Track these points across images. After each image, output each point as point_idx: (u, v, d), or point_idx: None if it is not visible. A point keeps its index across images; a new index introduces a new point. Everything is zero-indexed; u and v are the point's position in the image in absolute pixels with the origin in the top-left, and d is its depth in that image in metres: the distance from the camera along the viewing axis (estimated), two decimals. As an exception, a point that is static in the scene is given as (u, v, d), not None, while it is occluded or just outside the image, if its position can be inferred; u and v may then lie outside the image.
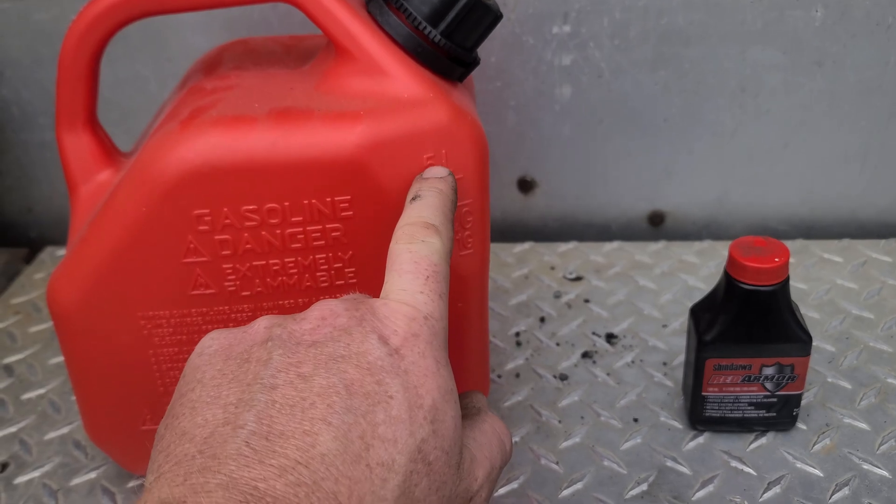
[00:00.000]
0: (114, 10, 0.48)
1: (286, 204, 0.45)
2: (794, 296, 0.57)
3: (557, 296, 0.78)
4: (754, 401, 0.59)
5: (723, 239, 0.86)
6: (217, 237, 0.46)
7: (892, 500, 0.55)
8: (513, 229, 0.89)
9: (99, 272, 0.47)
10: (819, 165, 0.84)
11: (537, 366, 0.69)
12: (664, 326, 0.73)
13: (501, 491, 0.57)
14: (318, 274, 0.48)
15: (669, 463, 0.59)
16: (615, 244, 0.85)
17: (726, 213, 0.87)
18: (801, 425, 0.61)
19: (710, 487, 0.57)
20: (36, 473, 0.60)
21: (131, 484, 0.59)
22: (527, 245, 0.86)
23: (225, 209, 0.45)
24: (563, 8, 0.77)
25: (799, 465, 0.58)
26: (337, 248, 0.48)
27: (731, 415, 0.60)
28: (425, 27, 0.47)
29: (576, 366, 0.69)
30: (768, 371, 0.57)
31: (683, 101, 0.81)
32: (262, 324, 0.38)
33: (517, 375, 0.68)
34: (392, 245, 0.41)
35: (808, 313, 0.73)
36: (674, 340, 0.71)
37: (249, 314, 0.49)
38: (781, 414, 0.59)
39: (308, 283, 0.48)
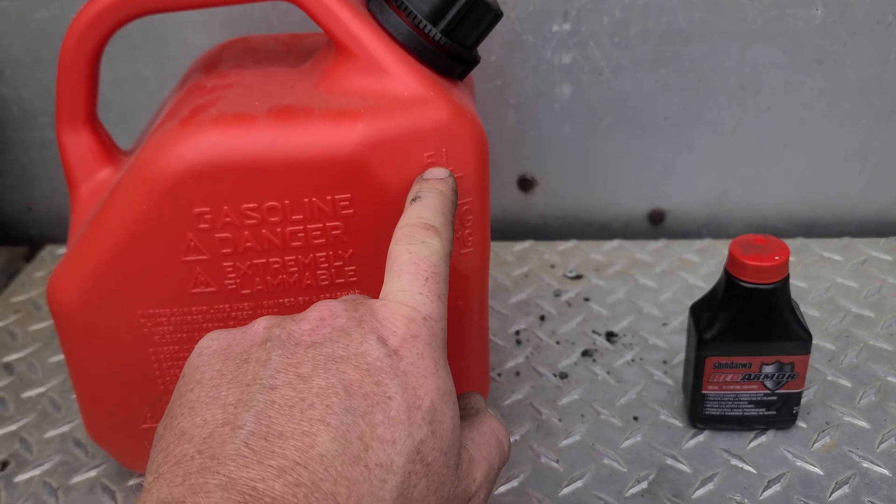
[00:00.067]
0: (114, 8, 0.48)
1: (286, 202, 0.45)
2: (794, 294, 0.57)
3: (557, 294, 0.78)
4: (754, 399, 0.59)
5: (723, 237, 0.86)
6: (217, 235, 0.46)
7: (893, 499, 0.55)
8: (513, 228, 0.89)
9: (99, 270, 0.47)
10: (819, 164, 0.84)
11: (537, 364, 0.69)
12: (664, 325, 0.73)
13: (501, 489, 0.57)
14: (319, 272, 0.48)
15: (669, 461, 0.59)
16: (615, 243, 0.85)
17: (726, 211, 0.87)
18: (801, 423, 0.61)
19: (710, 486, 0.57)
20: (36, 472, 0.60)
21: (131, 482, 0.59)
22: (527, 243, 0.86)
23: (225, 207, 0.45)
24: (564, 6, 0.77)
25: (799, 463, 0.58)
26: (337, 246, 0.48)
27: (731, 413, 0.60)
28: (426, 25, 0.47)
29: (576, 364, 0.69)
30: (768, 369, 0.57)
31: (683, 99, 0.81)
32: (261, 324, 0.38)
33: (517, 374, 0.68)
34: (392, 246, 0.41)
35: (808, 312, 0.73)
36: (674, 339, 0.71)
37: (250, 312, 0.49)
38: (781, 412, 0.59)
39: (308, 282, 0.48)
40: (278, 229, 0.46)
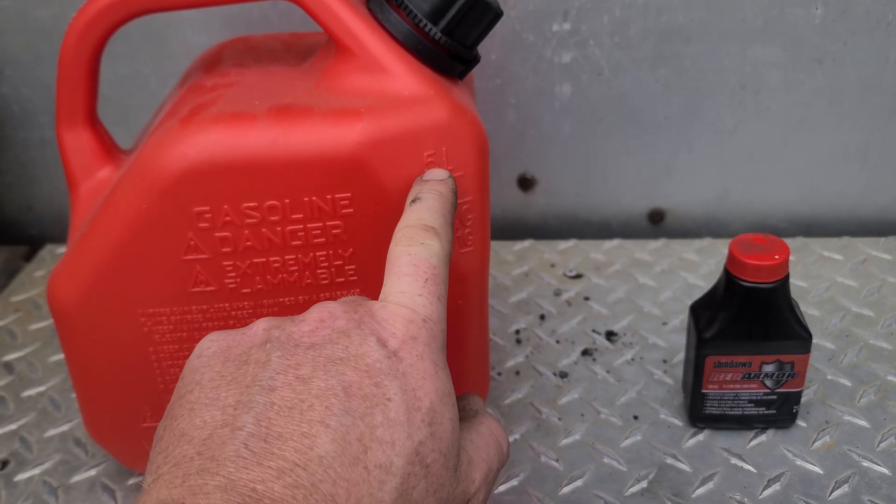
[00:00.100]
0: (114, 7, 0.48)
1: (286, 201, 0.45)
2: (793, 293, 0.57)
3: (557, 293, 0.78)
4: (754, 398, 0.59)
5: (723, 237, 0.86)
6: (217, 234, 0.46)
7: (892, 498, 0.55)
8: (513, 227, 0.89)
9: (99, 269, 0.47)
10: (819, 163, 0.84)
11: (537, 363, 0.69)
12: (664, 324, 0.73)
13: (501, 488, 0.57)
14: (319, 271, 0.48)
15: (669, 460, 0.59)
16: (615, 242, 0.85)
17: (726, 210, 0.87)
18: (800, 423, 0.61)
19: (710, 485, 0.57)
20: (36, 471, 0.60)
21: (131, 481, 0.59)
22: (527, 243, 0.86)
23: (225, 206, 0.45)
24: (564, 6, 0.77)
25: (799, 462, 0.58)
26: (337, 245, 0.48)
27: (730, 412, 0.60)
28: (426, 24, 0.47)
29: (576, 363, 0.69)
30: (768, 368, 0.57)
31: (683, 98, 0.81)
32: (260, 325, 0.38)
33: (517, 373, 0.68)
34: (391, 247, 0.41)
35: (808, 311, 0.73)
36: (674, 338, 0.71)
37: (250, 311, 0.49)
38: (781, 411, 0.59)
39: (308, 281, 0.48)
40: (278, 228, 0.46)
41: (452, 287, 0.43)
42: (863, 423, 0.61)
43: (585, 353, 0.70)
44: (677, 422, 0.62)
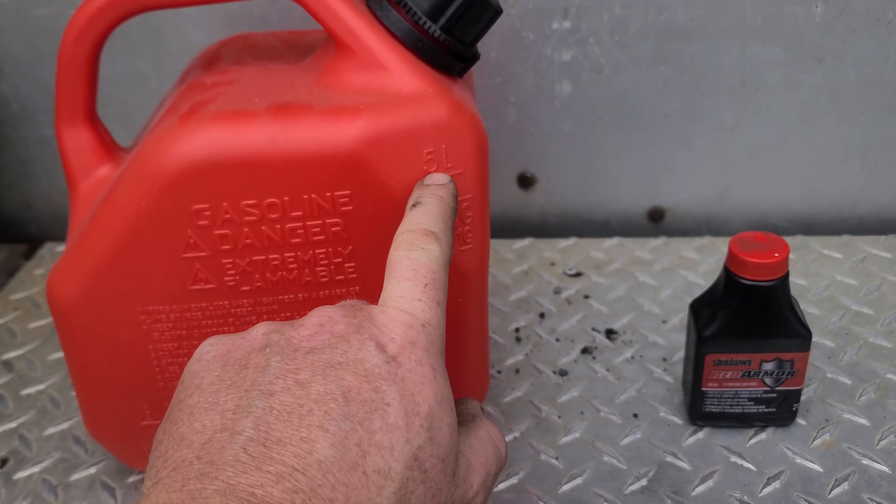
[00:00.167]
0: (113, 5, 0.48)
1: (286, 199, 0.45)
2: (793, 292, 0.57)
3: (557, 292, 0.78)
4: (754, 396, 0.59)
5: (723, 235, 0.86)
6: (217, 232, 0.46)
7: (892, 496, 0.55)
8: (513, 225, 0.89)
9: (98, 267, 0.47)
10: (819, 161, 0.84)
11: (537, 361, 0.69)
12: (664, 322, 0.73)
13: (501, 487, 0.57)
14: (318, 269, 0.48)
15: (669, 458, 0.59)
16: (615, 240, 0.85)
17: (726, 209, 0.87)
18: (800, 421, 0.61)
19: (710, 483, 0.57)
20: (35, 469, 0.60)
21: (131, 479, 0.59)
22: (527, 241, 0.86)
23: (224, 204, 0.45)
24: (563, 4, 0.77)
25: (798, 460, 0.58)
26: (337, 242, 0.48)
27: (730, 410, 0.60)
28: (425, 22, 0.47)
29: (575, 361, 0.69)
30: (768, 366, 0.57)
31: (683, 97, 0.81)
32: (260, 330, 0.38)
33: (517, 371, 0.68)
34: (391, 251, 0.41)
35: (808, 309, 0.73)
36: (673, 336, 0.71)
37: (249, 309, 0.49)
38: (781, 409, 0.59)
39: (308, 278, 0.48)
40: (278, 226, 0.46)
41: (452, 285, 0.43)
42: (862, 421, 0.61)
43: (585, 351, 0.70)
44: (677, 420, 0.62)
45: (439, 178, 0.46)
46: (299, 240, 0.47)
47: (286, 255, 0.47)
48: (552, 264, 0.82)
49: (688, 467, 0.58)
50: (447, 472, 0.36)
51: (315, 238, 0.47)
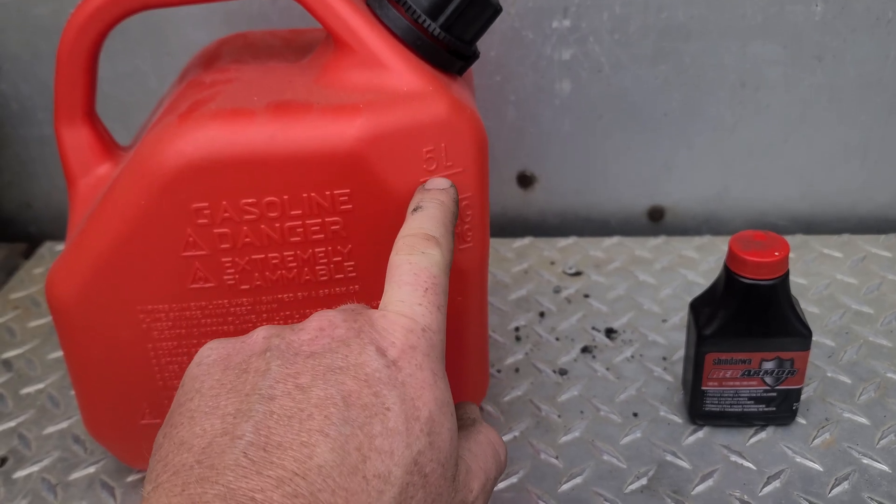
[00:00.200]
0: (112, 3, 0.48)
1: (285, 197, 0.45)
2: (793, 291, 0.57)
3: (557, 291, 0.78)
4: (754, 395, 0.59)
5: (722, 234, 0.86)
6: (216, 230, 0.46)
7: (892, 495, 0.55)
8: (512, 224, 0.89)
9: (97, 266, 0.47)
10: (819, 160, 0.84)
11: (537, 360, 0.69)
12: (664, 321, 0.73)
13: (501, 486, 0.57)
14: (318, 267, 0.48)
15: (669, 457, 0.59)
16: (615, 239, 0.85)
17: (726, 208, 0.87)
18: (800, 420, 0.61)
19: (710, 482, 0.57)
20: (35, 468, 0.60)
21: (130, 478, 0.59)
22: (526, 240, 0.86)
23: (224, 202, 0.45)
24: (563, 2, 0.77)
25: (799, 459, 0.58)
26: (336, 241, 0.48)
27: (730, 409, 0.60)
28: (424, 20, 0.47)
29: (575, 360, 0.69)
30: (768, 365, 0.57)
31: (683, 95, 0.81)
32: (260, 334, 0.38)
33: (517, 370, 0.68)
34: (392, 256, 0.41)
35: (808, 308, 0.73)
36: (673, 335, 0.71)
37: (248, 308, 0.49)
38: (781, 408, 0.59)
39: (307, 277, 0.48)
40: (277, 224, 0.46)
41: (452, 284, 0.43)
42: (862, 420, 0.61)
43: (585, 350, 0.70)
44: (677, 419, 0.62)
45: (440, 183, 0.46)
46: (299, 238, 0.47)
47: (285, 253, 0.47)
48: (552, 263, 0.82)
49: (688, 466, 0.58)
50: (447, 476, 0.36)
51: (314, 237, 0.47)
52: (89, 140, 0.52)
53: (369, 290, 0.50)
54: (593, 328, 0.72)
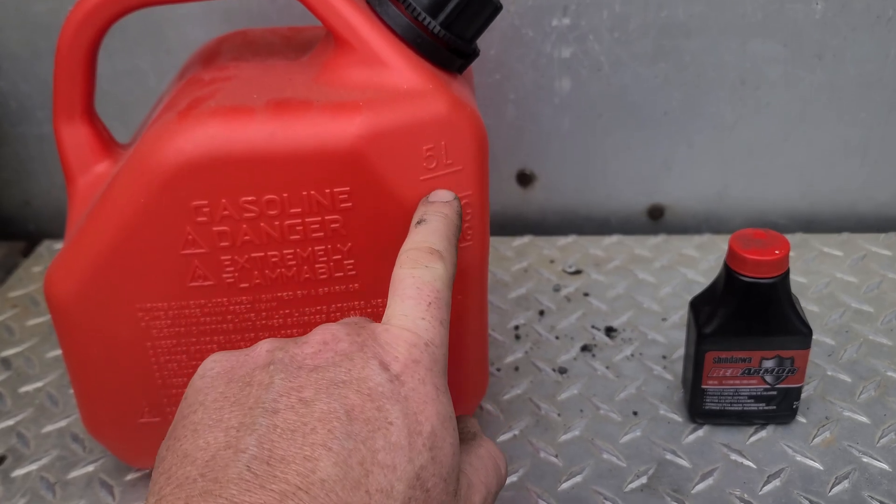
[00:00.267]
0: (111, 0, 0.48)
1: (285, 195, 0.45)
2: (793, 289, 0.57)
3: (557, 289, 0.78)
4: (754, 394, 0.59)
5: (722, 233, 0.86)
6: (215, 228, 0.46)
7: (892, 493, 0.55)
8: (512, 223, 0.89)
9: (96, 264, 0.47)
10: (819, 159, 0.84)
11: (536, 359, 0.69)
12: (664, 320, 0.73)
13: (501, 484, 0.57)
14: (317, 266, 0.48)
15: (669, 456, 0.59)
16: (614, 238, 0.85)
17: (726, 206, 0.87)
18: (800, 418, 0.61)
19: (710, 480, 0.57)
20: (33, 466, 0.60)
21: (129, 477, 0.59)
22: (526, 238, 0.86)
23: (223, 200, 0.45)
24: (563, 0, 0.77)
25: (799, 458, 0.58)
26: (336, 239, 0.47)
27: (730, 408, 0.59)
28: (424, 18, 0.47)
29: (575, 359, 0.69)
30: (768, 364, 0.57)
31: (683, 94, 0.81)
32: (263, 347, 0.39)
33: (516, 369, 0.68)
34: (396, 269, 0.41)
35: (808, 307, 0.73)
36: (673, 334, 0.71)
37: (248, 306, 0.49)
38: (781, 407, 0.59)
39: (307, 275, 0.48)
40: (276, 223, 0.46)
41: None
42: (863, 418, 0.61)
43: (585, 349, 0.70)
44: (677, 417, 0.62)
45: (444, 196, 0.46)
46: (298, 237, 0.47)
47: (285, 251, 0.47)
48: (552, 262, 0.82)
49: (688, 465, 0.58)
50: (449, 491, 0.37)
51: (314, 235, 0.47)
52: (88, 138, 0.52)
53: (369, 289, 0.50)
54: (593, 327, 0.72)
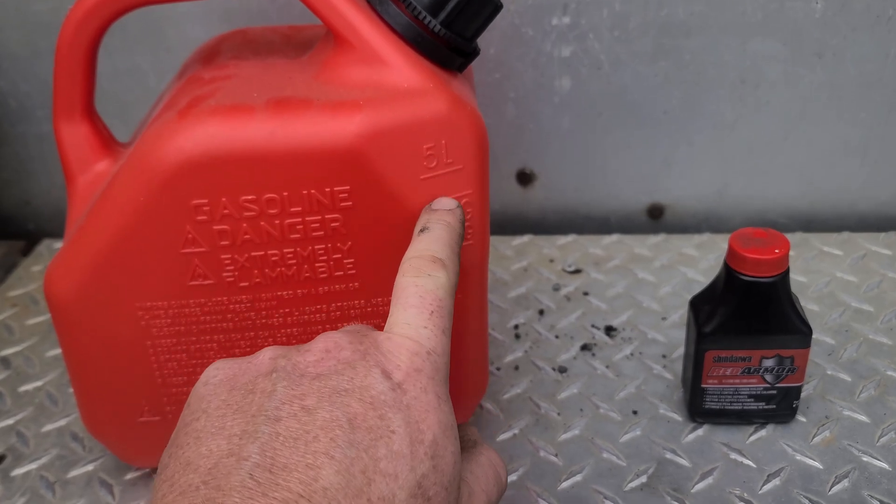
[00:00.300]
0: (111, -1, 0.48)
1: (285, 194, 0.45)
2: (793, 288, 0.57)
3: (556, 288, 0.78)
4: (754, 393, 0.59)
5: (722, 232, 0.86)
6: (215, 227, 0.46)
7: (892, 493, 0.55)
8: (512, 222, 0.89)
9: (96, 263, 0.47)
10: (819, 158, 0.84)
11: (536, 358, 0.69)
12: (663, 319, 0.73)
13: (500, 483, 0.57)
14: (317, 265, 0.48)
15: (669, 455, 0.59)
16: (614, 237, 0.85)
17: (726, 205, 0.87)
18: (800, 417, 0.61)
19: (710, 479, 0.57)
20: (33, 465, 0.60)
21: (129, 476, 0.59)
22: (526, 238, 0.86)
23: (223, 199, 0.45)
24: (563, -1, 0.77)
25: (798, 457, 0.58)
26: (336, 238, 0.47)
27: (730, 407, 0.59)
28: (425, 17, 0.47)
29: (575, 358, 0.69)
30: (768, 363, 0.57)
31: (683, 93, 0.81)
32: (266, 354, 0.39)
33: (516, 368, 0.68)
34: (398, 278, 0.41)
35: (808, 306, 0.73)
36: (673, 333, 0.71)
37: (247, 305, 0.49)
38: (781, 406, 0.59)
39: (307, 274, 0.48)
40: (277, 221, 0.46)
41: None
42: (862, 418, 0.61)
43: (584, 348, 0.70)
44: (677, 417, 0.62)
45: (447, 203, 0.46)
46: (298, 235, 0.47)
47: (285, 250, 0.47)
48: (551, 261, 0.82)
49: (687, 464, 0.58)
50: (450, 500, 0.37)
51: (314, 234, 0.47)
52: (88, 136, 0.52)
53: (369, 288, 0.50)
54: (593, 326, 0.72)
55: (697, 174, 0.86)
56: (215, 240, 0.46)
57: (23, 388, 0.68)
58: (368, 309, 0.51)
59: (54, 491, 0.58)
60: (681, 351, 0.67)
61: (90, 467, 0.60)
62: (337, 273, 0.49)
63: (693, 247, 0.83)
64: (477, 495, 0.40)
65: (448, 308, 0.40)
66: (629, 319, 0.73)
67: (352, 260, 0.48)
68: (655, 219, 0.89)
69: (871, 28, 0.77)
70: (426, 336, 0.39)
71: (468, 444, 0.44)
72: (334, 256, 0.48)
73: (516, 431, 0.62)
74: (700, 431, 0.61)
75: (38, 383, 0.68)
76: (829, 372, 0.66)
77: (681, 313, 0.73)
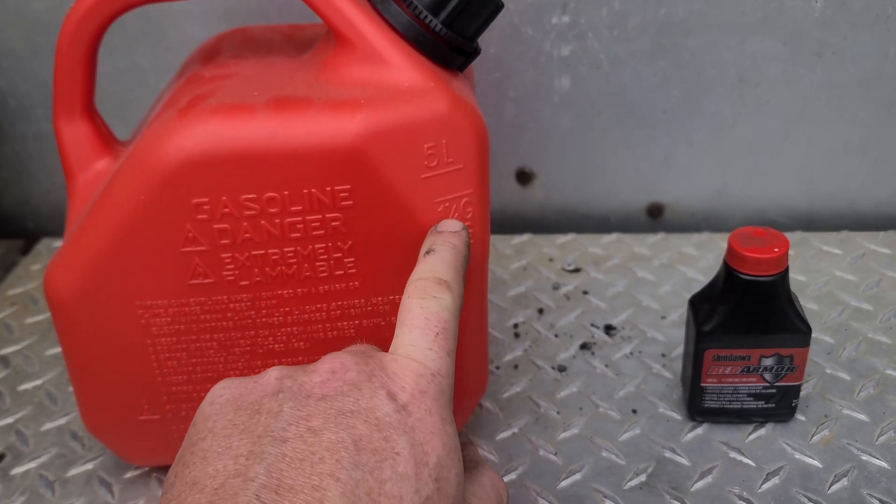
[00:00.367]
0: (111, -3, 0.48)
1: (285, 193, 0.45)
2: (792, 287, 0.57)
3: (556, 287, 0.78)
4: (753, 392, 0.59)
5: (722, 231, 0.86)
6: (216, 226, 0.46)
7: (891, 491, 0.55)
8: (511, 221, 0.89)
9: (96, 261, 0.47)
10: (819, 157, 0.84)
11: (536, 357, 0.69)
12: (663, 318, 0.73)
13: (500, 482, 0.57)
14: (318, 264, 0.48)
15: (668, 454, 0.59)
16: (614, 236, 0.85)
17: (725, 205, 0.87)
18: (800, 416, 0.61)
19: (709, 478, 0.57)
20: (33, 464, 0.60)
21: (128, 475, 0.59)
22: (525, 237, 0.86)
23: (224, 198, 0.45)
24: (563, -2, 0.77)
25: (798, 456, 0.58)
26: (336, 237, 0.47)
27: (729, 406, 0.59)
28: (426, 16, 0.47)
29: (574, 357, 0.69)
30: (767, 362, 0.57)
31: (683, 92, 0.81)
32: (272, 374, 0.39)
33: (516, 367, 0.68)
34: (404, 299, 0.41)
35: (807, 305, 0.73)
36: (672, 332, 0.71)
37: (248, 304, 0.49)
38: (780, 405, 0.59)
39: (307, 273, 0.48)
40: (277, 220, 0.46)
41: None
42: (862, 416, 0.61)
43: (584, 347, 0.70)
44: (676, 415, 0.62)
45: (453, 226, 0.46)
46: (299, 234, 0.47)
47: (285, 249, 0.47)
48: (551, 260, 0.82)
49: (687, 463, 0.58)
50: None
51: (314, 233, 0.47)
52: (88, 135, 0.52)
53: (369, 287, 0.50)
54: (592, 325, 0.72)
55: (697, 173, 0.86)
56: (215, 238, 0.46)
57: (22, 387, 0.68)
58: (368, 308, 0.51)
59: (54, 490, 0.58)
60: (680, 350, 0.67)
61: (89, 466, 0.60)
62: (337, 272, 0.49)
63: (692, 246, 0.83)
64: None
65: (453, 330, 0.41)
66: (628, 318, 0.73)
67: (352, 259, 0.48)
68: (655, 218, 0.89)
69: (871, 27, 0.77)
70: (431, 358, 0.39)
71: (470, 465, 0.44)
72: (335, 255, 0.48)
73: (516, 430, 0.62)
74: (699, 430, 0.61)
75: (38, 382, 0.68)
76: (828, 371, 0.66)
77: (680, 312, 0.73)
